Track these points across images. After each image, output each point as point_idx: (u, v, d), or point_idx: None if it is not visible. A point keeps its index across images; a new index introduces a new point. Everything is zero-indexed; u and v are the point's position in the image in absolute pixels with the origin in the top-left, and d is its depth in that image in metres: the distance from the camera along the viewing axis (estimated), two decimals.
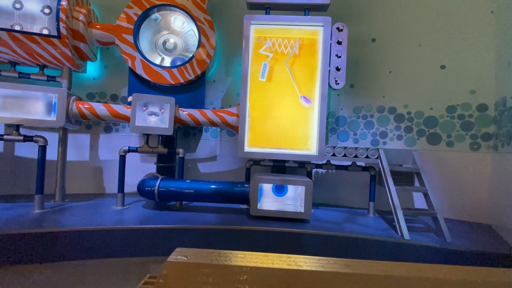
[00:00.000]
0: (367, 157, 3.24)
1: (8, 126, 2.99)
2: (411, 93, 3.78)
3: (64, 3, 3.05)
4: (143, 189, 3.11)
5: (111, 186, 3.90)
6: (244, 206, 3.42)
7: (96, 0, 3.72)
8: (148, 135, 3.31)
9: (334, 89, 3.54)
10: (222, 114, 3.53)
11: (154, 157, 3.75)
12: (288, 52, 3.34)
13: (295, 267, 1.07)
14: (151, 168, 3.81)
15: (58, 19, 3.01)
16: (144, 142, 3.32)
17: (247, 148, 3.32)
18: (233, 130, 3.62)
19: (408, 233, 2.60)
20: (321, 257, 1.17)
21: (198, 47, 3.63)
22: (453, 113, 3.61)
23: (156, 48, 3.84)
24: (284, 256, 1.15)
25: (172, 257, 1.06)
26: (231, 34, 4.07)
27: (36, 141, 2.91)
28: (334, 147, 3.28)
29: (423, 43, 3.73)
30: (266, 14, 3.42)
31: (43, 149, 2.92)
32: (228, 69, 4.14)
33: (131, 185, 3.46)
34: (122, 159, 3.22)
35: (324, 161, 3.44)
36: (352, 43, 3.68)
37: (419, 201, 3.60)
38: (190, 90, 3.81)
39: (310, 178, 3.35)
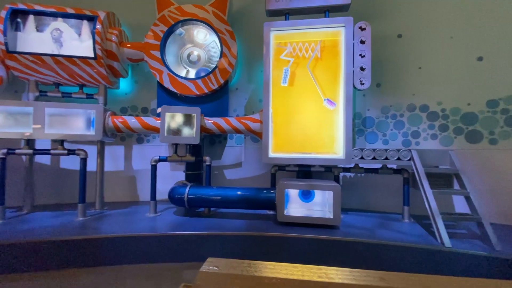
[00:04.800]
0: (398, 159, 3.08)
1: (54, 141, 3.30)
2: (444, 89, 3.54)
3: (98, 26, 3.33)
4: (173, 197, 3.24)
5: (144, 194, 4.12)
6: (271, 212, 3.41)
7: (126, 21, 4.00)
8: (176, 144, 3.45)
9: (359, 90, 3.43)
10: (245, 121, 3.59)
11: (183, 165, 3.89)
12: (309, 56, 3.31)
13: (326, 280, 1.04)
14: (180, 175, 3.96)
15: (94, 42, 3.29)
16: (173, 152, 3.47)
17: (271, 154, 3.32)
18: (257, 136, 3.65)
19: (449, 240, 2.41)
20: (353, 269, 1.13)
21: (220, 57, 3.74)
22: (495, 108, 3.31)
23: (181, 61, 4.02)
24: (315, 268, 1.12)
25: (204, 267, 1.09)
26: (251, 42, 4.14)
27: (78, 154, 3.18)
28: (362, 150, 3.16)
29: (456, 35, 3.49)
30: (285, 20, 3.43)
31: (84, 161, 3.19)
32: (250, 76, 4.21)
33: (162, 192, 3.62)
34: (154, 169, 3.39)
35: (352, 165, 3.32)
36: (376, 41, 3.56)
37: (460, 205, 3.33)
38: (214, 99, 3.93)
39: (338, 182, 3.26)
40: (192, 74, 4.00)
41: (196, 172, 3.76)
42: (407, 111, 3.69)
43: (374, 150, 3.14)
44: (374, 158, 3.14)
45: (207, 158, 3.48)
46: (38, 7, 3.32)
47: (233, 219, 3.19)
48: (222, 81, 3.75)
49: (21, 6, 3.28)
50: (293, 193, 3.09)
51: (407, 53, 3.70)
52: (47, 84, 3.61)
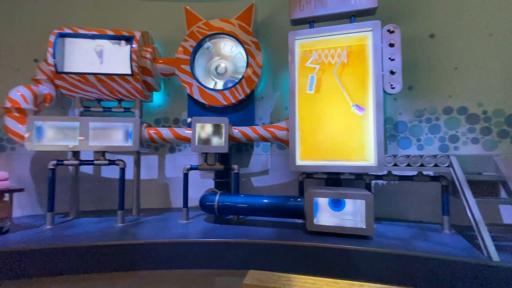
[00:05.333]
0: (435, 165, 2.91)
1: (96, 152, 3.58)
2: (485, 89, 3.31)
3: (135, 45, 3.60)
4: (204, 204, 3.34)
5: (176, 200, 4.29)
6: (300, 221, 3.38)
7: (158, 38, 4.27)
8: (206, 153, 3.58)
9: (390, 94, 3.32)
10: (272, 129, 3.63)
11: (212, 173, 4.01)
12: (336, 62, 3.28)
13: None
14: (209, 183, 4.08)
15: (131, 59, 3.56)
16: (203, 160, 3.60)
17: (298, 162, 3.31)
18: (284, 144, 3.66)
19: (497, 253, 2.21)
20: (397, 287, 1.09)
21: (246, 67, 3.84)
22: None
23: (210, 74, 4.19)
24: (356, 284, 1.11)
25: (247, 280, 1.12)
26: (276, 51, 4.20)
27: (117, 164, 3.42)
28: (395, 156, 3.04)
29: (495, 32, 3.26)
30: (310, 28, 3.45)
31: (122, 171, 3.43)
32: (275, 84, 4.26)
33: (192, 199, 3.74)
34: (186, 177, 3.53)
35: (385, 172, 3.20)
36: (406, 42, 3.44)
37: (508, 215, 3.05)
38: (241, 109, 4.02)
39: (370, 190, 3.15)
40: (219, 85, 4.14)
41: (225, 179, 3.85)
42: (444, 114, 3.49)
43: (408, 156, 3.00)
44: (408, 164, 3.00)
45: (235, 166, 3.55)
46: (82, 31, 3.68)
47: (262, 227, 3.21)
48: (248, 91, 3.84)
49: (67, 30, 3.65)
50: (323, 201, 3.05)
51: (441, 53, 3.52)
52: (90, 100, 3.95)
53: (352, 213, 3.00)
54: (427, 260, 2.33)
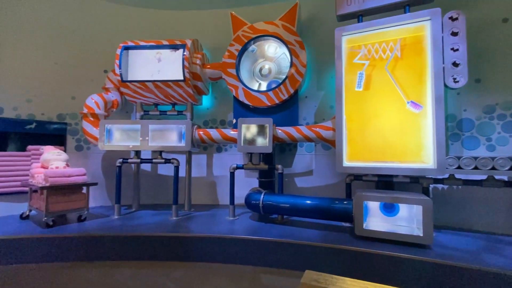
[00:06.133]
0: (511, 169, 2.52)
1: (154, 152, 3.97)
2: None
3: (186, 53, 3.88)
4: (249, 202, 3.45)
5: (223, 198, 4.50)
6: (346, 224, 3.25)
7: (207, 44, 4.53)
8: (251, 153, 3.68)
9: (453, 89, 2.98)
10: (317, 129, 3.56)
11: (256, 172, 4.11)
12: (388, 56, 3.07)
13: None
14: (253, 182, 4.18)
15: (183, 66, 3.86)
16: (248, 160, 3.71)
17: (346, 163, 3.19)
18: (330, 144, 3.56)
19: None
20: None
21: (290, 67, 3.84)
22: None
23: (254, 75, 4.29)
24: None
25: (305, 279, 1.14)
26: (321, 49, 4.10)
27: (172, 163, 3.75)
28: (459, 158, 2.72)
29: None
30: (358, 22, 3.29)
31: (177, 169, 3.74)
32: (319, 83, 4.16)
33: (237, 197, 3.88)
34: (232, 176, 3.69)
35: (446, 175, 2.89)
36: (473, 30, 3.05)
37: None
38: (285, 109, 4.03)
39: (428, 195, 2.87)
40: (263, 86, 4.21)
41: (269, 179, 3.91)
42: None
43: (475, 158, 2.66)
44: (476, 167, 2.66)
45: (279, 166, 3.58)
46: (142, 43, 4.10)
47: (306, 228, 3.18)
48: (292, 91, 3.83)
49: (130, 43, 4.11)
50: (373, 205, 2.89)
51: None
52: (149, 105, 4.39)
53: (407, 219, 2.78)
54: (501, 277, 2.04)
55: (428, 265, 2.26)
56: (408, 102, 2.95)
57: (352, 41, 3.27)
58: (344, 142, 3.21)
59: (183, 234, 2.99)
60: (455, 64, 2.79)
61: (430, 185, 2.98)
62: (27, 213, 3.55)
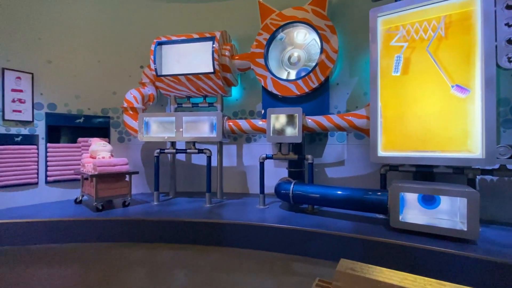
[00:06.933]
0: None
1: (187, 142, 4.15)
2: None
3: (215, 45, 3.94)
4: (279, 192, 3.48)
5: (253, 186, 4.60)
6: (380, 216, 3.14)
7: (235, 36, 4.54)
8: (280, 143, 3.68)
9: (506, 69, 2.66)
10: (349, 117, 3.43)
11: (285, 162, 4.11)
12: (430, 36, 2.82)
13: None
14: (282, 172, 4.19)
15: (213, 58, 3.93)
16: (277, 150, 3.72)
17: (381, 152, 3.05)
18: (363, 133, 3.41)
19: None
20: None
21: (320, 54, 3.71)
22: None
23: (282, 64, 4.23)
24: None
25: (340, 268, 1.15)
26: (354, 33, 3.89)
27: (205, 153, 3.90)
28: None
29: None
30: (396, 1, 3.05)
31: (209, 159, 3.89)
32: (352, 69, 3.97)
33: (267, 186, 3.94)
34: (262, 165, 3.74)
35: (496, 166, 2.63)
36: None
37: None
38: (315, 97, 3.93)
39: (474, 187, 2.65)
40: (292, 75, 4.14)
41: (298, 169, 3.89)
42: None
43: None
44: None
45: (309, 156, 3.54)
46: (174, 38, 4.25)
47: (338, 219, 3.13)
48: (322, 79, 3.71)
49: (163, 39, 4.27)
50: (411, 197, 2.74)
51: None
52: (182, 98, 4.57)
53: (449, 212, 2.61)
54: None
55: (473, 261, 2.11)
56: (452, 86, 2.70)
57: (388, 22, 3.05)
58: (379, 130, 3.06)
59: (217, 220, 3.13)
60: (510, 42, 2.47)
61: (477, 176, 2.73)
62: (80, 198, 3.98)
